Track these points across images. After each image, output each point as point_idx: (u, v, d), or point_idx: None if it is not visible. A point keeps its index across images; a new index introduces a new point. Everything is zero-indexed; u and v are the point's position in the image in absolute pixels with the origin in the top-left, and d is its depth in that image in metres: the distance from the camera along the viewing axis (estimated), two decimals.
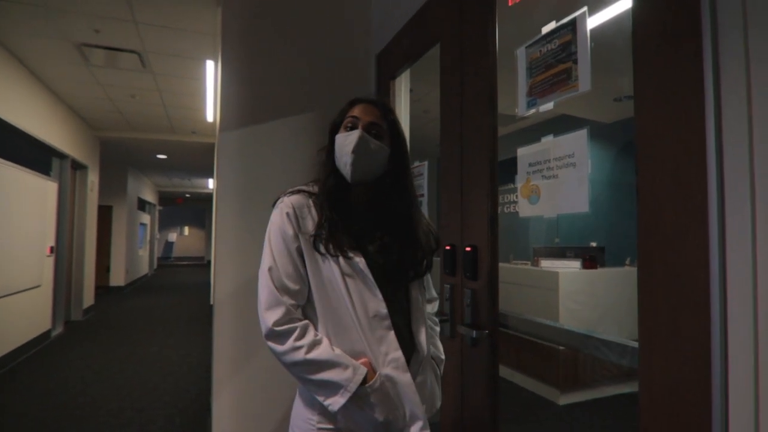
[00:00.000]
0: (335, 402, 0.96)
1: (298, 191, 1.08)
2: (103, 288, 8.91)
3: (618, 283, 3.59)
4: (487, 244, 1.35)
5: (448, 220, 1.56)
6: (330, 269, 1.01)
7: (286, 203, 1.04)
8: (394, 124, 1.09)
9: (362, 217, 1.08)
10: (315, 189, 1.09)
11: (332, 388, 0.96)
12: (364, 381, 0.97)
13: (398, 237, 1.07)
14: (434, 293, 1.29)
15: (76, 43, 3.79)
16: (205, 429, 2.89)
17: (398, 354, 1.01)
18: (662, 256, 0.81)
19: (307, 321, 1.02)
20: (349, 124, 1.06)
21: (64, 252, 5.84)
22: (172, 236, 20.52)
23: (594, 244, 4.33)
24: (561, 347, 3.27)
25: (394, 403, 1.00)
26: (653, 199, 0.83)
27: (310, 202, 1.06)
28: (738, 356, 0.70)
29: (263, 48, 2.18)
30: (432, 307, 1.27)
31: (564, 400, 3.33)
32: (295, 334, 0.98)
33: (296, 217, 1.03)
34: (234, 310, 2.06)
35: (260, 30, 2.18)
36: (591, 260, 3.71)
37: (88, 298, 6.80)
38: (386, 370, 1.00)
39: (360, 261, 1.01)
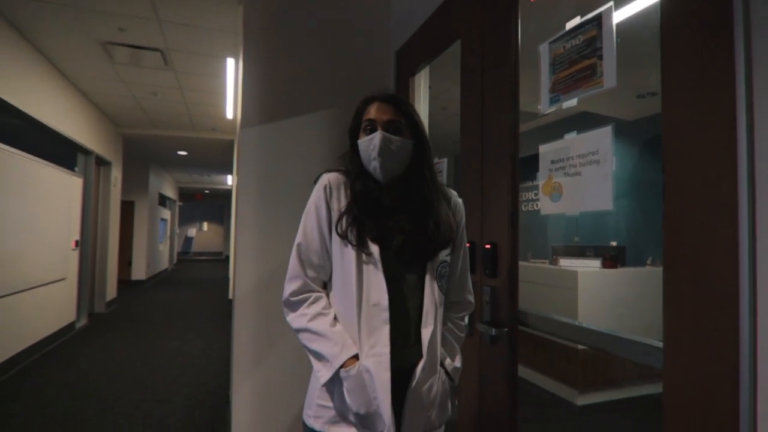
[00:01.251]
0: (322, 375, 1.02)
1: (338, 170, 1.13)
2: (125, 281, 9.12)
3: (639, 283, 3.53)
4: (507, 242, 1.34)
5: (467, 217, 1.55)
6: (348, 252, 1.04)
7: (324, 178, 1.11)
8: (410, 116, 1.10)
9: (391, 212, 1.09)
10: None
11: (322, 360, 1.02)
12: (345, 365, 1.00)
13: (417, 221, 1.06)
14: (469, 297, 1.22)
15: (101, 41, 3.88)
16: (224, 422, 2.94)
17: (385, 350, 0.99)
18: (689, 257, 0.79)
19: (322, 293, 1.09)
20: (368, 127, 1.07)
21: (88, 246, 5.99)
22: (192, 231, 20.87)
23: (614, 244, 4.26)
24: (580, 347, 3.23)
25: (369, 398, 0.98)
26: (680, 198, 0.82)
27: (347, 182, 1.10)
28: (767, 359, 0.68)
29: (284, 45, 2.20)
30: (458, 310, 1.20)
31: (582, 400, 3.29)
32: (307, 303, 1.07)
33: (331, 192, 1.09)
34: (254, 305, 2.09)
35: (281, 27, 2.20)
36: (611, 259, 3.65)
37: (111, 292, 6.96)
38: (367, 362, 0.99)
39: (375, 250, 1.02)
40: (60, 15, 3.42)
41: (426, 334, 1.03)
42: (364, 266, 1.03)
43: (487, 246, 1.40)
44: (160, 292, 9.12)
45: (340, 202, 1.08)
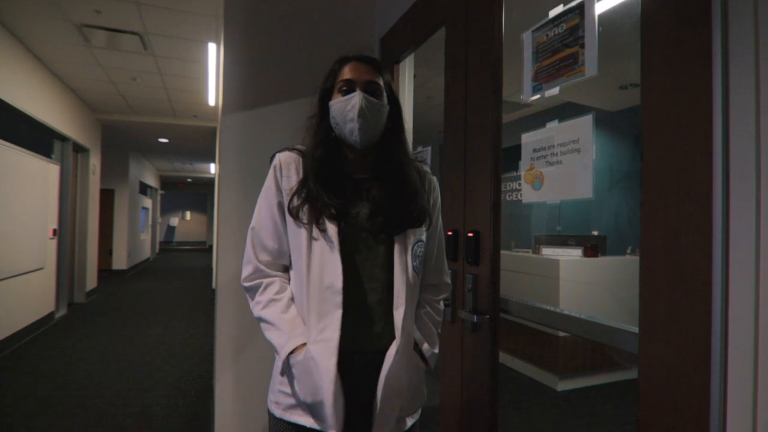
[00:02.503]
0: (276, 365, 1.00)
1: (292, 149, 1.07)
2: (105, 271, 8.97)
3: (619, 271, 3.60)
4: (489, 230, 1.35)
5: (450, 205, 1.56)
6: (301, 231, 0.99)
7: (275, 159, 1.06)
8: (388, 81, 1.05)
9: (357, 183, 1.03)
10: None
11: (275, 348, 1.00)
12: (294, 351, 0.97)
13: (390, 190, 1.01)
14: (446, 279, 1.18)
15: (77, 23, 3.76)
16: (207, 410, 2.93)
17: (333, 335, 0.94)
18: (664, 243, 0.81)
19: (274, 278, 1.04)
20: (344, 88, 1.00)
21: (66, 235, 5.86)
22: (174, 221, 20.58)
23: (596, 233, 4.33)
24: (560, 334, 3.30)
25: (314, 387, 0.94)
26: (657, 186, 0.83)
27: (300, 159, 1.04)
28: (738, 345, 0.70)
29: (266, 30, 2.16)
30: (435, 291, 1.15)
31: (562, 386, 3.37)
32: (260, 290, 1.03)
33: (281, 173, 1.03)
34: (236, 293, 2.07)
35: (263, 12, 2.16)
36: (592, 248, 3.72)
37: (91, 281, 6.85)
38: (313, 348, 0.94)
39: (332, 229, 0.96)
40: None
41: (398, 315, 0.98)
42: (317, 246, 0.97)
43: (470, 234, 1.41)
44: (141, 281, 9.00)
45: (290, 181, 1.02)
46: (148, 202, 13.02)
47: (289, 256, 1.05)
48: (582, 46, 1.00)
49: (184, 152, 10.39)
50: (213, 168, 12.10)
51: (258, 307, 1.02)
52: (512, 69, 1.36)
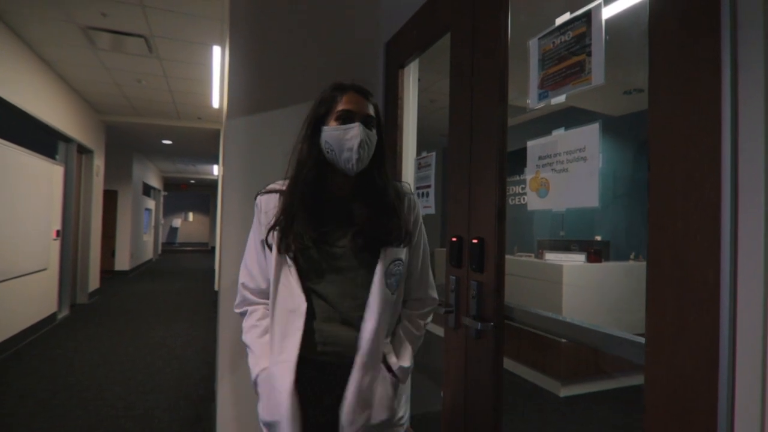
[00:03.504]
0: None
1: (272, 190, 1.13)
2: (108, 272, 8.99)
3: (623, 277, 3.59)
4: (494, 237, 1.35)
5: (455, 211, 1.56)
6: (272, 259, 1.06)
7: (258, 200, 1.15)
8: (377, 107, 1.10)
9: (340, 205, 1.08)
10: (284, 186, 1.11)
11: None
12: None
13: (372, 212, 1.06)
14: (432, 293, 1.22)
15: (82, 26, 3.78)
16: (209, 413, 2.93)
17: (291, 356, 1.00)
18: (672, 253, 0.81)
19: (258, 305, 1.14)
20: (343, 117, 1.04)
21: (70, 236, 5.88)
22: (177, 222, 20.62)
23: (599, 238, 4.32)
24: (563, 340, 3.28)
25: (272, 405, 1.01)
26: (665, 196, 0.82)
27: (278, 195, 1.10)
28: (746, 354, 0.70)
29: (271, 35, 2.16)
30: (420, 307, 1.19)
31: (565, 392, 3.35)
32: (246, 317, 1.14)
33: (262, 213, 1.12)
34: None
35: (269, 16, 2.16)
36: (596, 254, 3.70)
37: (94, 282, 6.86)
38: (274, 368, 1.02)
39: (297, 254, 1.03)
40: None
41: (365, 328, 1.02)
42: (284, 271, 1.04)
43: (474, 240, 1.41)
44: (144, 282, 9.00)
45: (269, 215, 1.08)
46: (151, 204, 13.05)
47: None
48: (589, 54, 1.00)
49: (187, 154, 10.42)
50: (216, 169, 12.13)
51: (243, 333, 1.12)
52: (516, 73, 1.36)
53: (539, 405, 3.31)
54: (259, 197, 1.14)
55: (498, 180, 1.34)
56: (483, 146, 1.42)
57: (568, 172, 1.09)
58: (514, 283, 3.77)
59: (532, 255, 4.38)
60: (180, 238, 20.61)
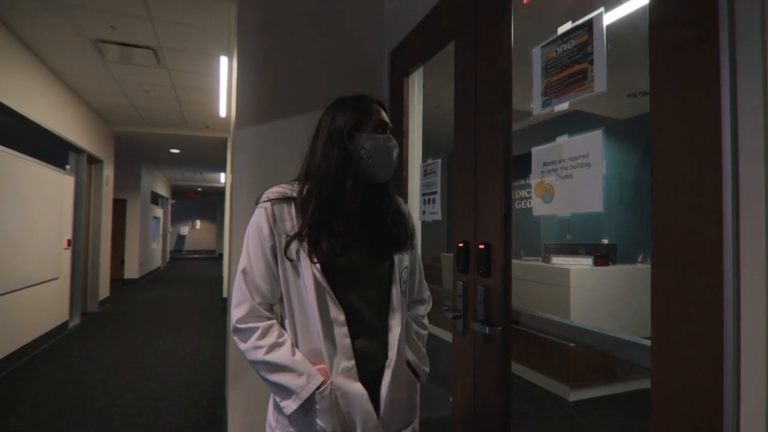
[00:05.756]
0: (288, 406, 0.99)
1: (280, 191, 1.08)
2: (118, 280, 9.08)
3: (630, 280, 3.58)
4: (500, 242, 1.37)
5: (461, 217, 1.58)
6: (300, 272, 1.01)
7: (266, 203, 1.06)
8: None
9: (354, 216, 1.06)
10: (295, 189, 1.07)
11: (286, 392, 0.99)
12: (318, 388, 0.98)
13: (386, 220, 1.09)
14: (425, 295, 1.28)
15: (93, 39, 3.85)
16: (219, 420, 2.95)
17: (351, 363, 1.00)
18: (676, 257, 0.82)
19: (273, 321, 1.04)
20: (380, 128, 1.08)
21: (80, 245, 5.95)
22: (184, 229, 20.77)
23: (606, 241, 4.31)
24: (571, 344, 3.27)
25: (342, 414, 0.99)
26: (667, 200, 0.84)
27: (291, 202, 1.05)
28: (750, 357, 0.71)
29: (278, 45, 2.21)
30: (424, 309, 1.26)
31: (574, 396, 3.34)
32: (258, 333, 1.01)
33: (273, 216, 1.04)
34: None
35: (275, 26, 2.21)
36: (603, 257, 3.70)
37: (104, 290, 6.93)
38: (337, 379, 0.99)
39: (318, 268, 0.99)
40: (51, 12, 3.39)
41: (393, 336, 1.06)
42: (317, 283, 0.99)
43: (481, 246, 1.42)
44: (153, 290, 9.08)
45: (284, 225, 1.04)
46: (159, 212, 13.16)
47: (281, 297, 1.06)
48: (591, 62, 1.02)
49: (194, 162, 10.52)
50: (223, 177, 12.22)
51: (260, 351, 1.00)
52: (520, 78, 1.38)
53: (548, 409, 3.30)
54: (267, 204, 1.05)
55: (503, 185, 1.36)
56: (488, 152, 1.44)
57: (573, 178, 1.11)
58: (522, 287, 3.77)
59: (539, 259, 4.37)
60: (187, 245, 20.75)
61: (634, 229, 4.51)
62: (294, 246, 1.01)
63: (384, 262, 1.09)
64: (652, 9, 0.88)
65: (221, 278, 8.75)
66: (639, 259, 3.97)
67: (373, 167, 1.05)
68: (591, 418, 3.14)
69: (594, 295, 3.47)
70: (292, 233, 1.01)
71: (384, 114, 1.10)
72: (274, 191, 1.07)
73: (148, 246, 11.23)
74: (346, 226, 1.02)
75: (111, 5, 3.27)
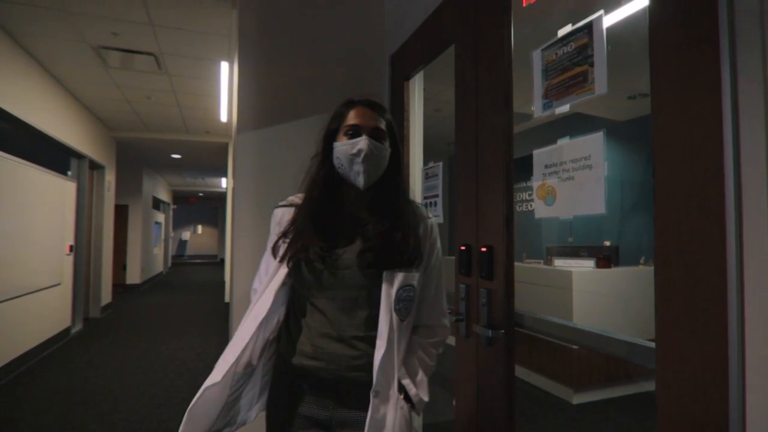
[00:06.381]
0: None
1: (289, 204, 1.16)
2: (120, 286, 9.08)
3: (633, 282, 3.57)
4: (502, 245, 1.36)
5: (463, 220, 1.57)
6: (272, 268, 1.10)
7: (275, 211, 1.18)
8: (390, 123, 1.10)
9: (353, 221, 1.08)
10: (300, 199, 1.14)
11: None
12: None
13: (385, 230, 1.04)
14: (444, 322, 1.16)
15: (94, 45, 3.87)
16: None
17: (230, 359, 1.02)
18: (679, 259, 0.82)
19: None
20: (351, 132, 1.05)
21: (82, 250, 5.96)
22: (186, 234, 20.79)
23: (608, 243, 4.30)
24: (575, 346, 3.26)
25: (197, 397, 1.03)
26: (670, 202, 0.84)
27: (293, 211, 1.12)
28: (755, 357, 0.71)
29: (279, 50, 2.21)
30: (433, 336, 1.14)
31: (578, 399, 3.32)
32: None
33: (276, 220, 1.16)
34: None
35: (276, 32, 2.21)
36: (605, 259, 3.69)
37: (106, 296, 6.93)
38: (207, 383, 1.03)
39: (288, 265, 1.05)
40: (53, 19, 3.41)
41: (377, 356, 0.99)
42: (273, 281, 1.06)
43: (483, 249, 1.42)
44: (155, 295, 9.08)
45: (281, 227, 1.11)
46: (160, 217, 13.18)
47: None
48: (591, 64, 1.02)
49: (196, 167, 10.54)
50: (224, 182, 12.24)
51: None
52: (520, 81, 1.38)
53: (552, 412, 3.29)
54: (276, 209, 1.18)
55: (505, 188, 1.36)
56: (489, 155, 1.44)
57: (574, 180, 1.11)
58: (524, 290, 3.75)
59: (541, 261, 4.36)
60: (189, 250, 20.76)
61: (636, 230, 4.50)
62: (280, 247, 1.08)
63: (376, 272, 1.02)
64: (651, 10, 0.88)
65: (223, 283, 8.75)
66: (641, 260, 3.96)
67: (347, 175, 1.06)
68: (594, 421, 3.13)
69: (596, 297, 3.46)
70: (278, 236, 1.10)
71: (361, 115, 1.06)
72: (288, 199, 1.18)
73: (150, 251, 11.24)
74: (334, 232, 1.06)
75: (112, 12, 3.29)
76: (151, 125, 6.70)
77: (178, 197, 17.19)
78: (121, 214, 9.30)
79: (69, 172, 5.75)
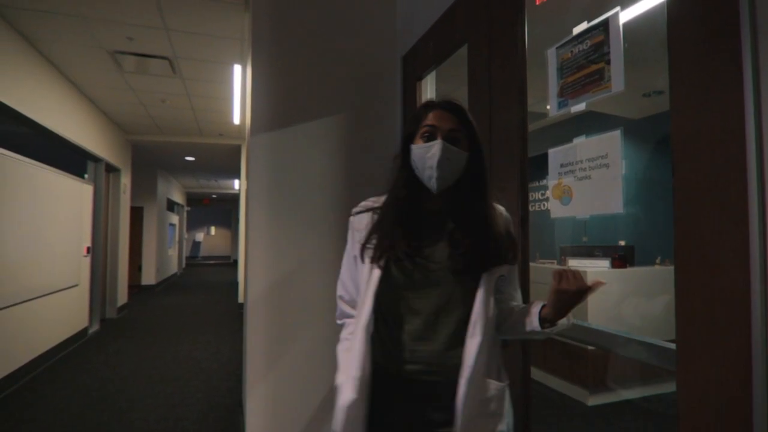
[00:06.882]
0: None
1: (365, 203, 1.18)
2: (135, 287, 9.20)
3: (649, 282, 3.51)
4: (518, 245, 1.35)
5: None
6: (363, 273, 1.09)
7: (350, 219, 1.18)
8: (471, 126, 1.07)
9: (435, 221, 1.08)
10: (381, 199, 1.15)
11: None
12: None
13: (472, 235, 1.04)
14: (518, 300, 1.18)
15: (110, 50, 3.93)
16: (237, 425, 2.96)
17: (357, 374, 1.01)
18: (700, 259, 0.80)
19: (351, 319, 1.17)
20: (427, 134, 1.04)
21: (99, 252, 6.05)
22: (200, 236, 21.01)
23: (623, 243, 4.24)
24: (590, 347, 3.22)
25: (337, 415, 1.03)
26: (690, 201, 0.82)
27: (369, 216, 1.13)
28: None
29: (291, 52, 2.23)
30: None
31: (593, 401, 3.28)
32: (343, 329, 1.18)
33: (353, 227, 1.16)
34: (266, 309, 2.11)
35: (288, 35, 2.23)
36: (620, 259, 3.64)
37: (122, 297, 7.03)
38: (342, 381, 1.04)
39: (380, 264, 1.05)
40: (69, 25, 3.47)
41: (471, 344, 0.99)
42: (369, 287, 1.06)
43: None
44: (170, 296, 9.18)
45: (360, 234, 1.12)
46: (175, 219, 13.34)
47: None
48: (608, 62, 1.01)
49: (209, 169, 10.65)
50: (237, 184, 12.34)
51: (340, 342, 1.17)
52: (534, 79, 1.37)
53: (567, 414, 3.25)
54: (351, 217, 1.18)
55: (520, 187, 1.35)
56: (504, 155, 1.43)
57: (591, 179, 1.09)
58: (538, 290, 3.72)
59: (555, 262, 4.32)
60: (203, 251, 20.98)
61: (652, 230, 4.43)
62: (367, 252, 1.08)
63: (466, 275, 1.03)
64: (669, 5, 0.87)
65: (236, 284, 8.82)
66: (657, 260, 3.90)
67: (421, 177, 1.06)
68: (610, 423, 3.09)
69: (612, 297, 3.41)
70: (362, 241, 1.11)
71: (438, 117, 1.04)
72: (362, 204, 1.19)
73: (165, 252, 11.38)
74: (418, 232, 1.06)
75: (127, 17, 3.34)
76: (166, 128, 6.78)
77: (192, 199, 17.37)
78: (137, 216, 9.43)
79: (86, 175, 5.84)
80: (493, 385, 1.03)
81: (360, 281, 1.11)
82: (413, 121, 1.09)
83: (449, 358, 1.02)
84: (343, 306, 1.20)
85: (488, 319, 1.02)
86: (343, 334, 1.16)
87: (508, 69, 1.41)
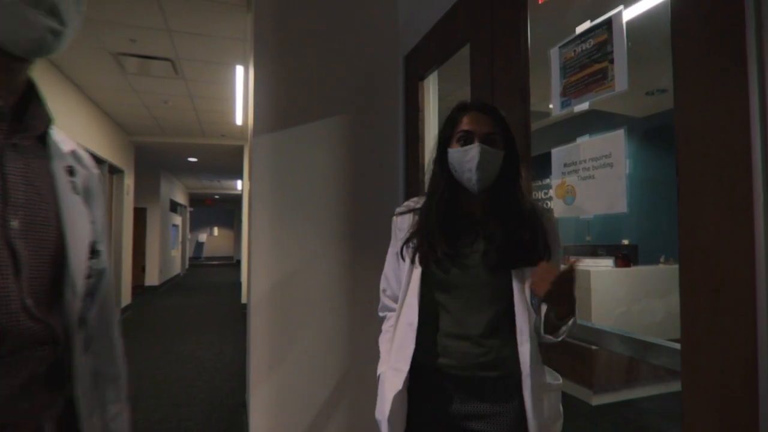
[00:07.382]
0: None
1: (407, 204, 1.23)
2: (139, 287, 9.23)
3: (653, 281, 3.50)
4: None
5: None
6: (404, 271, 1.15)
7: (393, 219, 1.23)
8: (505, 124, 1.08)
9: (473, 222, 1.10)
10: (421, 201, 1.18)
11: None
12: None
13: (507, 232, 1.05)
14: None
15: (113, 52, 3.94)
16: (240, 425, 2.97)
17: (404, 368, 1.05)
18: (704, 258, 0.80)
19: (392, 313, 1.21)
20: (463, 138, 1.06)
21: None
22: (203, 236, 21.06)
23: (626, 242, 4.23)
24: (594, 347, 3.22)
25: (380, 406, 1.08)
26: (694, 200, 0.82)
27: (411, 216, 1.17)
28: None
29: (293, 53, 2.23)
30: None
31: (596, 400, 3.28)
32: (384, 322, 1.25)
33: (396, 227, 1.21)
34: (269, 309, 2.11)
35: (290, 35, 2.23)
36: (624, 258, 3.63)
37: (126, 297, 7.05)
38: (386, 372, 1.10)
39: (417, 269, 1.09)
40: None
41: (524, 352, 1.03)
42: (411, 285, 1.11)
43: None
44: (173, 297, 9.21)
45: (402, 233, 1.16)
46: (178, 220, 13.37)
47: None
48: (611, 61, 1.01)
49: (212, 170, 10.68)
50: (240, 184, 12.37)
51: (382, 334, 1.23)
52: (537, 79, 1.37)
53: (570, 414, 3.24)
54: (394, 217, 1.23)
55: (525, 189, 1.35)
56: None
57: (595, 179, 1.09)
58: None
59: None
60: (206, 252, 21.02)
61: (655, 229, 4.42)
62: (407, 251, 1.13)
63: (502, 272, 1.05)
64: (674, 3, 0.87)
65: (239, 284, 8.84)
66: (661, 259, 3.89)
67: (461, 180, 1.08)
68: (614, 423, 3.08)
69: (616, 297, 3.40)
70: (403, 241, 1.15)
71: (473, 120, 1.06)
72: (404, 204, 1.24)
73: (168, 253, 11.41)
74: (457, 233, 1.09)
75: (130, 19, 3.35)
76: (168, 129, 6.80)
77: (195, 200, 17.42)
78: (140, 217, 9.46)
79: None
80: (553, 387, 1.09)
81: (401, 277, 1.16)
82: (449, 123, 1.11)
83: (481, 355, 1.05)
84: (385, 300, 1.25)
85: (531, 322, 1.04)
86: (385, 326, 1.21)
87: (510, 68, 1.41)
